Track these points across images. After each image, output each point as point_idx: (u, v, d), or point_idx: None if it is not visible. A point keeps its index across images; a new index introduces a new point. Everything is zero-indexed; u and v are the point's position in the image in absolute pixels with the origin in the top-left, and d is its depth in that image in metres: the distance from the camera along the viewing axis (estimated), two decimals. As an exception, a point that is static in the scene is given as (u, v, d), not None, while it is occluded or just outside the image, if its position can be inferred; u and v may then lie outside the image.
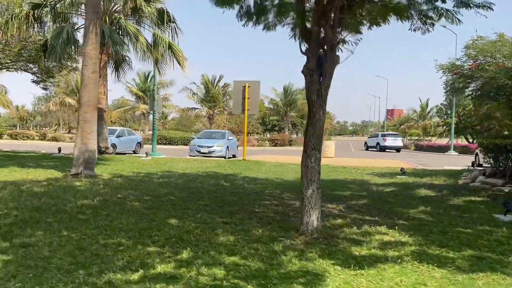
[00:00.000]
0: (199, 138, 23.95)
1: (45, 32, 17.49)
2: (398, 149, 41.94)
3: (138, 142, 26.89)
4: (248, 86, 17.88)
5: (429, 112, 74.39)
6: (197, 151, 21.84)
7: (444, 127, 64.03)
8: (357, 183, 12.22)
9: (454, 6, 6.12)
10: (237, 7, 7.06)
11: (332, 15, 5.89)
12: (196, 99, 45.30)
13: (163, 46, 15.88)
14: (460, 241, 5.92)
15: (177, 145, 40.54)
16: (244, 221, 6.76)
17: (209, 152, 21.47)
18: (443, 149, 42.97)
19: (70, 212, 6.95)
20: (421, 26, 6.76)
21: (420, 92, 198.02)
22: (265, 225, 6.53)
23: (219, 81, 45.46)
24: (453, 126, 41.11)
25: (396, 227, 6.57)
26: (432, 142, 55.48)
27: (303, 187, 6.09)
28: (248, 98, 17.82)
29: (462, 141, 53.57)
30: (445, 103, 51.62)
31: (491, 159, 12.63)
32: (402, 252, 5.34)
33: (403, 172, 14.17)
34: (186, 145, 41.92)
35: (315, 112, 6.07)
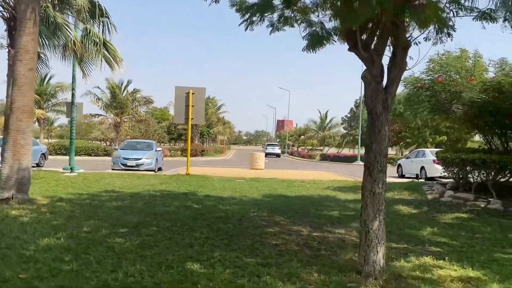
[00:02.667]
0: (123, 149, 21.15)
1: None
2: (277, 155, 54.57)
3: (42, 153, 23.21)
4: (193, 93, 16.21)
5: (328, 123, 78.13)
6: (123, 164, 19.14)
7: (342, 138, 67.88)
8: (330, 200, 11.44)
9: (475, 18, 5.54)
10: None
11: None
12: (100, 105, 41.31)
13: (97, 44, 13.56)
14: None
15: (80, 155, 36.46)
16: (280, 260, 5.45)
17: (137, 165, 18.98)
18: (350, 159, 44.81)
19: (42, 261, 4.97)
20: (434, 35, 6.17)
21: (321, 104, 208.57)
22: (308, 265, 5.30)
23: (127, 85, 42.06)
24: (360, 137, 43.27)
25: (446, 258, 5.87)
26: (333, 152, 57.95)
27: (368, 217, 5.01)
28: (192, 106, 16.13)
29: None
30: (349, 115, 54.46)
31: (450, 173, 12.83)
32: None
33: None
34: (90, 155, 38.17)
35: (380, 127, 5.04)
